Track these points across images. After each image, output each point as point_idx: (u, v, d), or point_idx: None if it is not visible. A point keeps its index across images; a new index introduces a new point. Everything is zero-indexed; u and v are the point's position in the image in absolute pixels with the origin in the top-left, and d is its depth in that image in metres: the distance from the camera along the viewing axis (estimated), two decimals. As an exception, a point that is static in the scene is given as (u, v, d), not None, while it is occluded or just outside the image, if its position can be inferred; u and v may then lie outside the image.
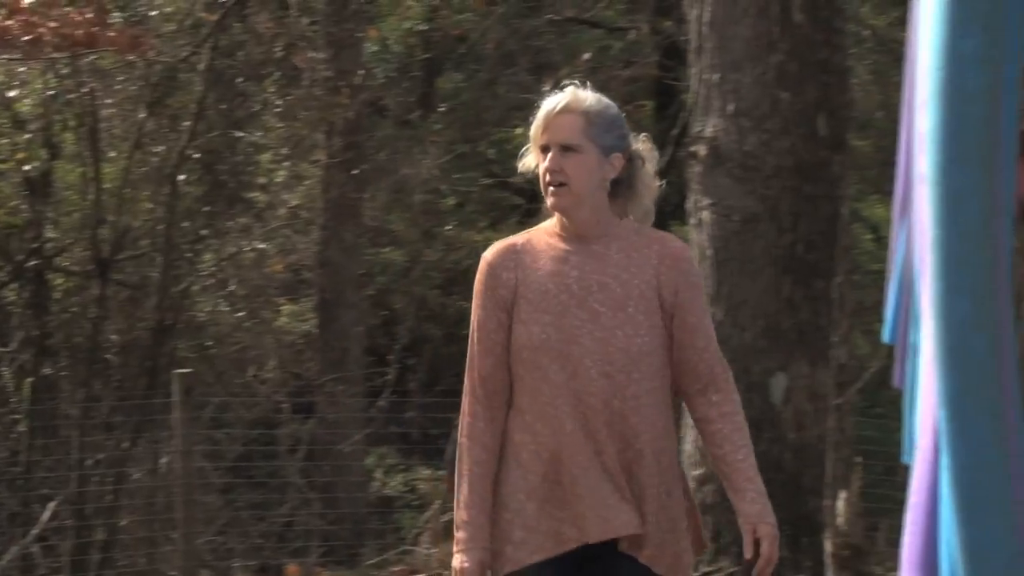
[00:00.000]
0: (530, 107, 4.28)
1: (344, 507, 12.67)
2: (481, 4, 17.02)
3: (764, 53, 7.11)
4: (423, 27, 16.29)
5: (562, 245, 4.17)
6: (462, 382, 4.25)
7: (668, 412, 4.16)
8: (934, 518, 3.75)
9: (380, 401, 13.58)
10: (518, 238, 4.27)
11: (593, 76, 17.45)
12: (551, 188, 4.11)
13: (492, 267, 4.23)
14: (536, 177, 4.18)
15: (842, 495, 5.94)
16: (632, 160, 4.21)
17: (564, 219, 4.16)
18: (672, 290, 4.11)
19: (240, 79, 14.19)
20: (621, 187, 4.20)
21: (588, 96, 4.17)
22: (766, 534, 4.01)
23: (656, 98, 17.03)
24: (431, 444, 13.35)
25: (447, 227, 15.72)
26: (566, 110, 4.12)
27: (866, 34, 18.62)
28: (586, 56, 16.43)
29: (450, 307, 15.53)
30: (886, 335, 4.29)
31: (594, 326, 4.08)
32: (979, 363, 3.47)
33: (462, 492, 4.13)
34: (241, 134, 13.76)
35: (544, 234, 4.21)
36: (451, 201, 15.91)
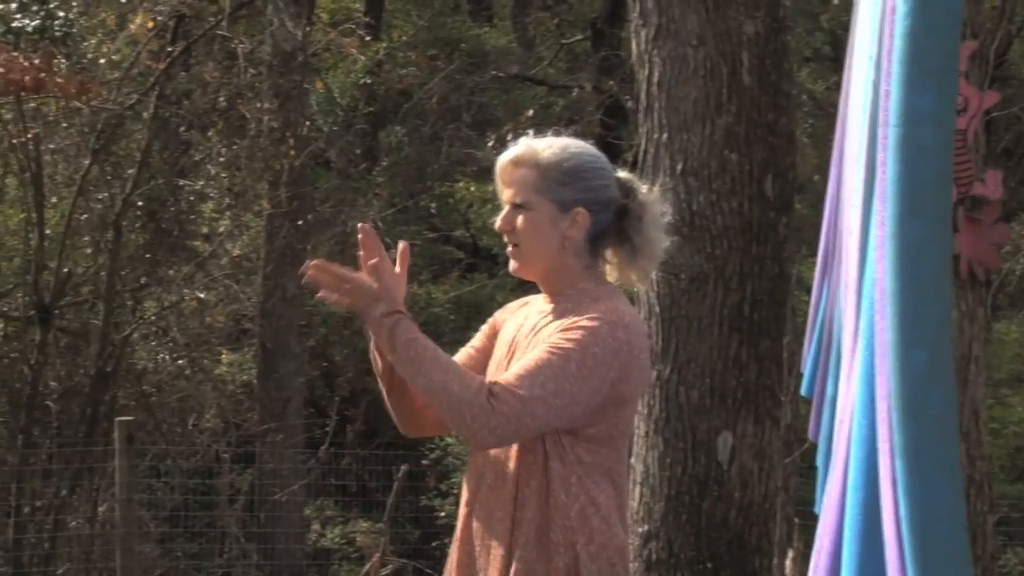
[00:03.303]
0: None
1: (282, 558, 12.62)
2: (424, 60, 17.11)
3: (713, 114, 7.17)
4: (367, 80, 16.35)
5: (540, 301, 3.76)
6: (399, 436, 3.94)
7: (560, 482, 3.53)
8: (838, 561, 3.83)
9: (319, 452, 13.54)
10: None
11: (536, 134, 17.62)
12: (508, 249, 3.68)
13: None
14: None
15: (789, 554, 5.98)
16: (627, 214, 3.68)
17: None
18: None
19: (185, 128, 14.21)
20: (607, 244, 3.69)
21: (544, 145, 3.70)
22: None
23: (598, 156, 17.15)
24: (369, 497, 13.31)
25: (388, 280, 15.68)
26: (515, 162, 3.68)
27: (804, 98, 18.88)
28: (529, 113, 16.54)
29: (390, 360, 15.47)
30: (804, 389, 4.36)
31: None
32: (936, 415, 3.55)
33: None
34: (185, 183, 13.76)
35: None
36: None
